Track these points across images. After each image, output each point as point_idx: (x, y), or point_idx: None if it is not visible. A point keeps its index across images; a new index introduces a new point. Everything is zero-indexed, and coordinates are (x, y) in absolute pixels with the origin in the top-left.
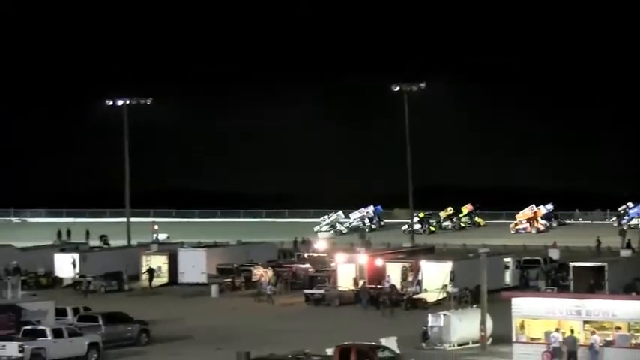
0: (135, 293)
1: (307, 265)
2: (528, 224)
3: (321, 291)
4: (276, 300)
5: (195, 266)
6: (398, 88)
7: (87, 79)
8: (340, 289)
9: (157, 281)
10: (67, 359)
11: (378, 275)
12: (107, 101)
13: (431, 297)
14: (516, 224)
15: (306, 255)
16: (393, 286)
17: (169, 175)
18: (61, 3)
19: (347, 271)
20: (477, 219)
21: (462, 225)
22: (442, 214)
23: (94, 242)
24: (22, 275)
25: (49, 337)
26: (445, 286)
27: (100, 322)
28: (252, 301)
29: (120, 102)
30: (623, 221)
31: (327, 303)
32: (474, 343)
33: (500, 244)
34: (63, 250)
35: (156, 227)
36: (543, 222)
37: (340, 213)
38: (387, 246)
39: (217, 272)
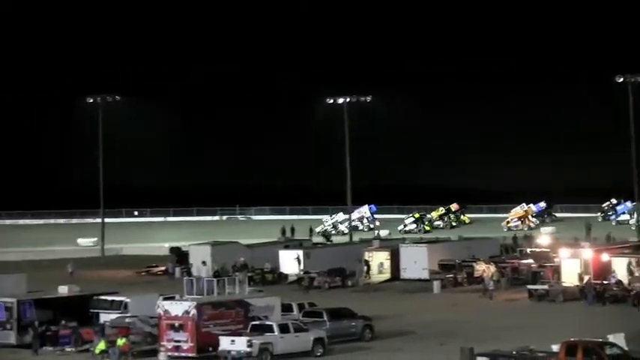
0: (358, 289)
1: (530, 261)
2: (520, 222)
3: (545, 287)
4: (498, 296)
5: (417, 262)
6: (622, 79)
7: (306, 76)
8: (564, 284)
9: (379, 277)
10: (293, 354)
11: (604, 271)
12: (328, 99)
13: None
14: (508, 222)
15: (528, 250)
16: (619, 282)
17: (389, 172)
18: None
19: (571, 267)
20: (462, 217)
21: (453, 224)
22: (434, 214)
23: (317, 239)
24: (248, 271)
25: (276, 333)
26: None
27: (325, 318)
28: (475, 297)
29: (340, 100)
30: (612, 217)
31: (551, 299)
32: None
33: None
34: (287, 247)
35: (377, 223)
36: (534, 219)
37: (341, 213)
38: (612, 240)
39: (439, 268)
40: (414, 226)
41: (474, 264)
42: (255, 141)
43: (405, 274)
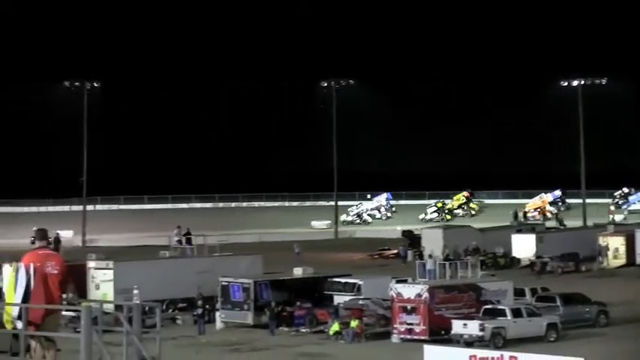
0: (591, 274)
1: None
2: (537, 212)
3: None
4: None
5: None
6: None
7: (541, 59)
8: None
9: (614, 262)
10: (526, 339)
11: None
12: (562, 82)
13: None
14: (525, 213)
15: None
16: None
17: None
18: None
19: None
20: (471, 205)
21: (472, 212)
22: (455, 203)
23: (551, 223)
24: (480, 256)
25: (509, 317)
26: None
27: (558, 303)
28: None
29: (575, 82)
30: (624, 206)
31: None
32: None
33: None
34: (519, 231)
35: (612, 208)
36: (551, 208)
37: (363, 202)
38: None
39: None
40: (436, 215)
41: None
42: (489, 125)
43: None
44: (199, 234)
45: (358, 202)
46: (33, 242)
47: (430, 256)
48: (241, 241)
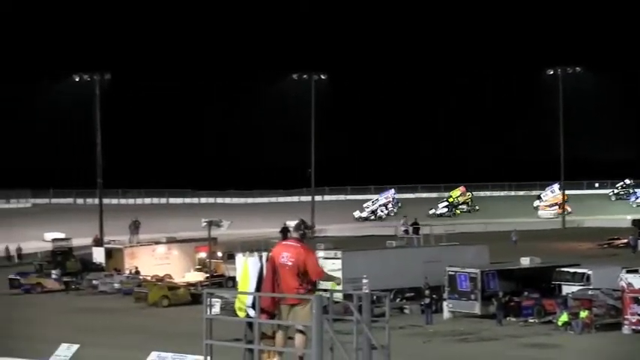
0: None
1: None
2: (557, 207)
3: None
4: None
5: None
6: None
7: None
8: None
9: None
10: None
11: None
12: None
13: None
14: (544, 207)
15: None
16: None
17: None
18: None
19: None
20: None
21: (476, 207)
22: (460, 198)
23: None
24: None
25: None
26: None
27: None
28: None
29: None
30: (631, 200)
31: None
32: None
33: None
34: None
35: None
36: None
37: (379, 198)
38: None
39: None
40: (446, 210)
41: None
42: None
43: None
44: (425, 223)
45: (375, 197)
46: (282, 232)
47: None
48: (467, 231)
